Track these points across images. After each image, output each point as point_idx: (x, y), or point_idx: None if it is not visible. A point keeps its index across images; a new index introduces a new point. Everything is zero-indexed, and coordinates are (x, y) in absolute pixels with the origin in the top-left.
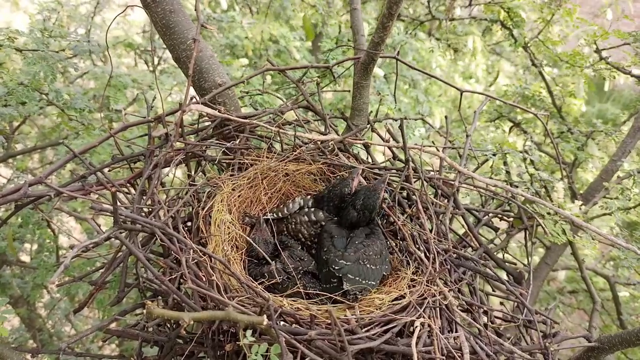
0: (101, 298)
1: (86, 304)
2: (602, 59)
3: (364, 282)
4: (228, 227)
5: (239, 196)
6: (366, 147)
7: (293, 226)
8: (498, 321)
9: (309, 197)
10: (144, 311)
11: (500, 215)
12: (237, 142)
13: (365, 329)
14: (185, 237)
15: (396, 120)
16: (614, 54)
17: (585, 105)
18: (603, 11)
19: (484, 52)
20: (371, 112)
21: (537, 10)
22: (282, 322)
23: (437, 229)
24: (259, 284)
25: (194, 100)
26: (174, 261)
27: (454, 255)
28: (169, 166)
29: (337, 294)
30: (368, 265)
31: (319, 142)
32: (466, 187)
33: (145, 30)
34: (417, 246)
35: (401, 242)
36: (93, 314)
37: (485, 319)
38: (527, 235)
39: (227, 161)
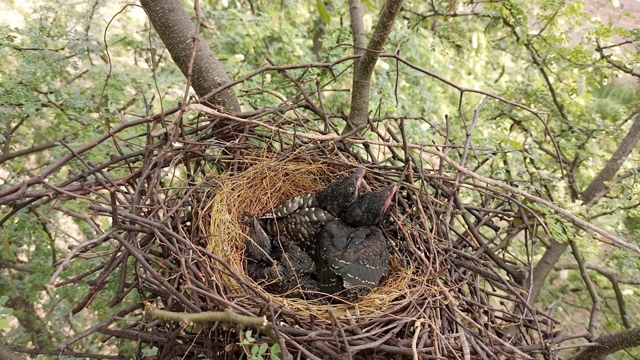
0: (100, 300)
1: (85, 304)
2: (604, 57)
3: (363, 281)
4: (227, 227)
5: (238, 196)
6: (366, 146)
7: (293, 226)
8: (499, 321)
9: (309, 195)
10: (144, 312)
11: (500, 215)
12: (237, 141)
13: (366, 329)
14: (184, 237)
15: (396, 120)
16: (615, 49)
17: (585, 101)
18: (608, 0)
19: (488, 48)
20: (371, 111)
21: (542, 6)
22: (282, 323)
23: (437, 229)
24: (258, 284)
25: (193, 99)
26: (173, 261)
27: (454, 255)
28: (168, 166)
29: (336, 293)
30: (368, 266)
31: (318, 142)
32: (466, 187)
33: (145, 29)
34: (417, 246)
35: (401, 241)
36: (92, 315)
37: (485, 318)
38: (528, 234)
39: (227, 161)
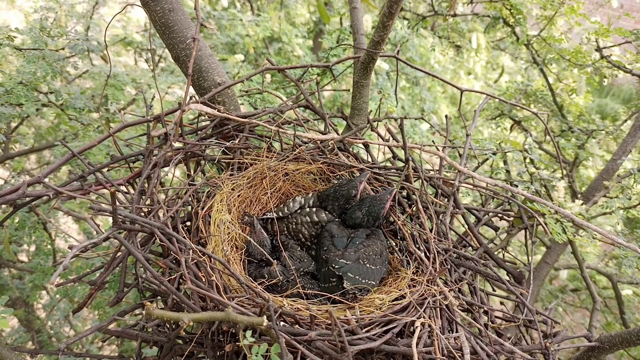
0: (100, 300)
1: (85, 304)
2: (603, 57)
3: (364, 281)
4: (227, 227)
5: (238, 196)
6: (366, 146)
7: (293, 226)
8: (498, 321)
9: (310, 194)
10: (144, 312)
11: (500, 215)
12: (237, 141)
13: (366, 329)
14: (184, 237)
15: (396, 120)
16: (615, 49)
17: (584, 101)
18: (607, 1)
19: (488, 48)
20: (371, 111)
21: (541, 7)
22: (282, 323)
23: (437, 229)
24: (258, 284)
25: (193, 99)
26: (174, 261)
27: (454, 255)
28: (168, 166)
29: (336, 293)
30: (368, 265)
31: (318, 142)
32: (466, 187)
33: (145, 29)
34: (417, 246)
35: (401, 241)
36: (92, 315)
37: (485, 318)
38: (528, 234)
39: (227, 161)
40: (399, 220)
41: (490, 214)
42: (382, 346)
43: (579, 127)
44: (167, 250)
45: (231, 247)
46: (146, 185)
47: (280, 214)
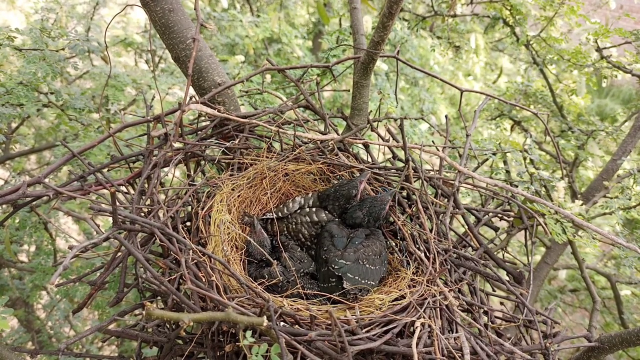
0: (100, 300)
1: (85, 304)
2: (603, 58)
3: (363, 281)
4: (227, 227)
5: (238, 196)
6: (366, 146)
7: (293, 226)
8: (498, 321)
9: (310, 195)
10: (144, 312)
11: (500, 215)
12: (237, 141)
13: (366, 329)
14: (184, 237)
15: (396, 120)
16: (613, 50)
17: (584, 101)
18: (605, 2)
19: (486, 49)
20: (371, 111)
21: (541, 7)
22: (282, 323)
23: (437, 229)
24: (258, 284)
25: (193, 99)
26: (174, 261)
27: (454, 255)
28: (168, 166)
29: (336, 293)
30: (367, 266)
31: (318, 142)
32: (466, 187)
33: (145, 29)
34: (417, 246)
35: (401, 242)
36: (92, 315)
37: (485, 319)
38: (528, 234)
39: (227, 161)
40: (399, 220)
41: (490, 214)
42: (382, 346)
43: (578, 128)
44: (167, 251)
45: (231, 247)
46: (146, 185)
47: (280, 214)
